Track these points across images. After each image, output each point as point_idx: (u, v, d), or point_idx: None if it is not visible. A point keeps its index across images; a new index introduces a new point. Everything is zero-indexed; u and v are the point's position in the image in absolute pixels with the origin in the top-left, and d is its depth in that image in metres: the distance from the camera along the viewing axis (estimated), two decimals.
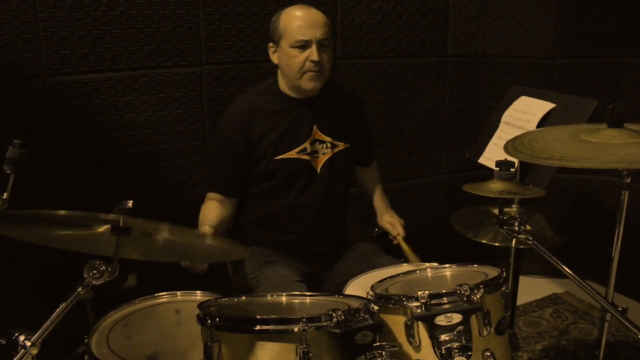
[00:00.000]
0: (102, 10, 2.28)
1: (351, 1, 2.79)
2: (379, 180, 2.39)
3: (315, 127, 2.05)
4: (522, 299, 2.97)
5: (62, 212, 1.25)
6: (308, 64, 1.92)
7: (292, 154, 2.02)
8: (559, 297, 3.09)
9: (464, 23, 3.10)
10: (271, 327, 1.26)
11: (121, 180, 2.45)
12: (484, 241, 1.89)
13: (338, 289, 1.94)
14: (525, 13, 3.06)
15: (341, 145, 2.11)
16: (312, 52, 1.90)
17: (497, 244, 1.87)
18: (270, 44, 2.02)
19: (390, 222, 2.21)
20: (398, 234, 2.17)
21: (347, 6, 2.79)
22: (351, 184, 2.28)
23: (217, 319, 1.30)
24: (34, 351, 1.24)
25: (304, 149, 2.04)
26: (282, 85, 2.05)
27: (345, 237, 2.26)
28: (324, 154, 2.07)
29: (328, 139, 2.08)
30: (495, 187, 1.68)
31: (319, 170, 2.07)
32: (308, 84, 1.96)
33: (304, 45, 1.91)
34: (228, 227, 2.08)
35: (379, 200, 2.34)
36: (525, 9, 3.05)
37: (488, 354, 1.40)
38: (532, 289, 3.12)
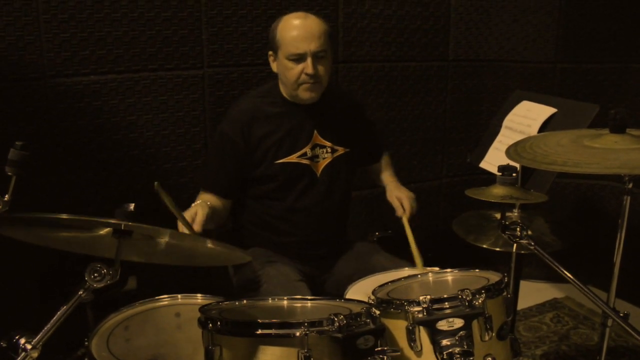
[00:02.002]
0: (104, 12, 2.28)
1: (353, 5, 2.80)
2: (389, 163, 2.37)
3: (315, 132, 2.06)
4: (522, 303, 2.96)
5: (64, 215, 1.25)
6: (303, 76, 1.93)
7: (293, 158, 2.03)
8: (559, 302, 3.09)
9: (465, 27, 3.10)
10: (273, 331, 1.25)
11: (122, 182, 2.45)
12: (485, 246, 1.88)
13: (339, 289, 1.95)
14: (526, 17, 3.06)
15: (341, 150, 2.11)
16: (307, 65, 1.91)
17: (498, 249, 1.86)
18: (270, 52, 2.03)
19: (399, 197, 2.16)
20: (404, 213, 2.12)
21: (349, 10, 2.79)
22: (352, 187, 2.28)
23: (219, 323, 1.30)
24: (35, 354, 1.24)
25: (304, 154, 2.04)
26: (283, 91, 2.06)
27: (345, 239, 2.26)
28: (324, 158, 2.08)
29: (328, 143, 2.09)
30: (497, 192, 1.68)
31: (319, 175, 2.07)
32: (304, 94, 1.98)
33: (299, 59, 1.92)
34: (223, 220, 2.07)
35: (387, 176, 2.31)
36: (526, 13, 3.05)
37: (490, 359, 1.40)
38: (532, 293, 3.12)
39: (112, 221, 1.28)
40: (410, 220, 2.10)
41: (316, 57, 1.92)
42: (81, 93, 2.31)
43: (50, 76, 2.25)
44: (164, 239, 1.45)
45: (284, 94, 2.06)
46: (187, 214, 1.80)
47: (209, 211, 1.85)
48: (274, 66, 2.03)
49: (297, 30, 1.91)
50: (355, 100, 2.35)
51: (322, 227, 2.12)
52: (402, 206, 2.14)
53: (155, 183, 1.60)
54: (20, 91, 2.21)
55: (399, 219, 2.14)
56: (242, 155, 2.02)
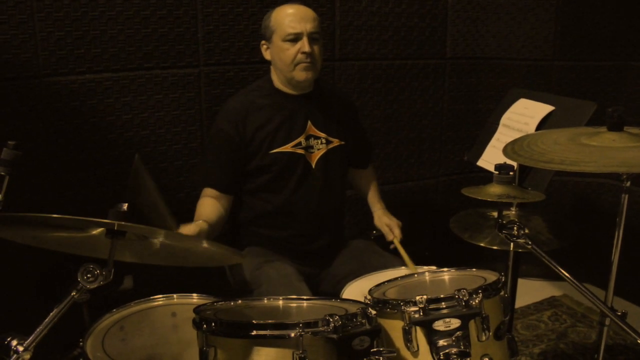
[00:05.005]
0: (99, 11, 2.27)
1: (349, 3, 2.78)
2: (375, 182, 2.40)
3: (309, 122, 2.08)
4: (520, 301, 2.96)
5: (55, 215, 1.23)
6: (300, 55, 1.97)
7: (287, 147, 2.04)
8: (557, 300, 3.08)
9: (462, 25, 3.09)
10: (267, 332, 1.24)
11: (118, 181, 2.44)
12: (482, 244, 1.88)
13: (335, 287, 1.95)
14: (524, 15, 3.05)
15: (336, 142, 2.12)
16: (304, 44, 1.96)
17: (495, 247, 1.86)
18: (263, 42, 2.08)
19: (388, 224, 2.21)
20: (395, 237, 2.16)
21: (346, 7, 2.78)
22: (347, 183, 2.28)
23: (213, 324, 1.29)
24: (27, 356, 1.23)
25: (299, 143, 2.05)
26: (276, 81, 2.10)
27: (342, 235, 2.26)
28: (318, 149, 2.09)
29: (322, 134, 2.10)
30: (494, 190, 1.67)
31: (313, 165, 2.08)
32: (301, 74, 2.00)
33: (295, 39, 1.97)
34: (224, 224, 2.07)
35: (375, 201, 2.35)
36: (524, 11, 3.05)
37: (487, 359, 1.39)
38: (530, 291, 3.12)
39: (105, 221, 1.27)
40: (401, 243, 2.15)
41: (311, 38, 1.98)
42: (76, 92, 2.30)
43: (45, 75, 2.24)
44: (158, 239, 1.43)
45: (277, 85, 2.09)
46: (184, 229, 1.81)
47: (205, 227, 1.87)
48: (267, 54, 2.07)
49: (292, 14, 1.99)
50: (349, 99, 2.37)
51: (319, 220, 2.12)
52: (392, 232, 2.18)
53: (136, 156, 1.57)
54: (15, 90, 2.20)
55: (390, 242, 2.18)
56: (238, 148, 2.04)
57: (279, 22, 1.99)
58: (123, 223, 1.26)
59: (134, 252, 1.50)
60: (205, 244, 1.50)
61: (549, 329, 2.81)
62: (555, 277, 3.14)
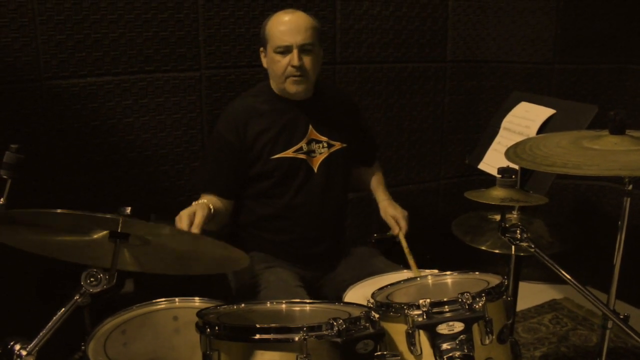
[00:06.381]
0: (100, 14, 2.27)
1: (350, 6, 2.79)
2: (381, 176, 2.38)
3: (310, 126, 2.07)
4: (521, 304, 2.95)
5: (59, 210, 1.23)
6: (289, 68, 1.95)
7: (289, 153, 2.03)
8: (558, 303, 3.08)
9: (463, 28, 3.09)
10: (271, 336, 1.24)
11: (119, 184, 2.44)
12: (483, 248, 1.88)
13: (338, 294, 1.93)
14: (524, 18, 3.06)
15: (337, 145, 2.12)
16: (293, 58, 1.94)
17: (497, 251, 1.86)
18: (261, 49, 2.07)
19: (394, 215, 2.17)
20: (400, 231, 2.13)
21: (346, 11, 2.79)
22: (350, 184, 2.27)
23: (216, 327, 1.29)
24: None
25: (300, 149, 2.04)
26: (273, 86, 2.09)
27: (344, 239, 2.26)
28: (320, 153, 2.08)
29: (324, 138, 2.09)
30: (497, 194, 1.67)
31: (315, 170, 2.08)
32: (291, 87, 1.99)
33: (285, 51, 1.95)
34: (225, 220, 2.06)
35: (380, 192, 2.32)
36: (524, 14, 3.05)
37: None
38: (531, 294, 3.12)
39: (108, 216, 1.26)
40: (405, 237, 2.12)
41: (302, 50, 1.95)
42: (78, 95, 2.30)
43: (46, 78, 2.24)
44: (162, 241, 1.43)
45: (275, 91, 2.08)
46: (185, 213, 1.78)
47: (208, 212, 1.84)
48: (264, 62, 2.06)
49: (285, 24, 1.95)
50: (350, 99, 2.36)
51: (321, 224, 2.11)
52: (398, 224, 2.15)
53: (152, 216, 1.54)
54: (17, 93, 2.20)
55: (395, 237, 2.15)
56: (239, 154, 2.03)
57: (272, 32, 1.96)
58: (127, 218, 1.25)
59: (137, 260, 1.50)
60: (209, 243, 1.48)
61: (550, 332, 2.81)
62: (556, 280, 3.15)
